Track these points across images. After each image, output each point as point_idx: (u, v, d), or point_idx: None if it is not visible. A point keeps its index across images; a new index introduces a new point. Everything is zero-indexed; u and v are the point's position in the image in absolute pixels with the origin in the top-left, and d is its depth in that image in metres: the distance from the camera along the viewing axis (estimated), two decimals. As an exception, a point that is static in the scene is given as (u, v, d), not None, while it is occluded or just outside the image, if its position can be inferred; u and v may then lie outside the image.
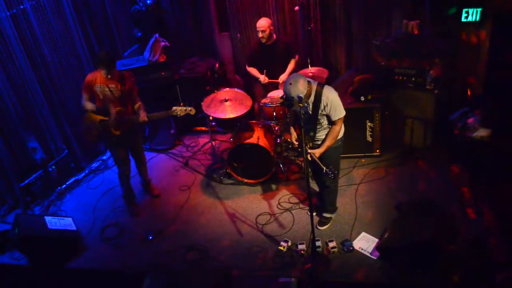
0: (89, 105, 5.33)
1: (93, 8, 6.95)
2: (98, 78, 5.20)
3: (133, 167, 5.80)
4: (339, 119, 4.45)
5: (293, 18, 6.93)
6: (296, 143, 4.95)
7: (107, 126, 5.26)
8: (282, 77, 6.23)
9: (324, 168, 4.36)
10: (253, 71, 6.45)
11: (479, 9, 5.49)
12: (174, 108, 5.23)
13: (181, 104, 5.29)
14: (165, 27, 7.52)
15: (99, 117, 5.30)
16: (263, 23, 6.11)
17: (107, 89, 5.20)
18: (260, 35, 6.14)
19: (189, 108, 5.23)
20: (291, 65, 6.34)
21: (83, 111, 5.46)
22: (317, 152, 4.51)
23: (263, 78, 6.28)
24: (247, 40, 7.34)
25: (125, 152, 5.64)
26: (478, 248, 4.49)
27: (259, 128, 5.95)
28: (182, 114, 5.25)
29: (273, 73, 6.31)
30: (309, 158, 4.46)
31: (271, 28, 6.18)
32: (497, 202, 4.98)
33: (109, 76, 5.11)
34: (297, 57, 6.38)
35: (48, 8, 6.13)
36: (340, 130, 4.55)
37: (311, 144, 4.67)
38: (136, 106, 5.38)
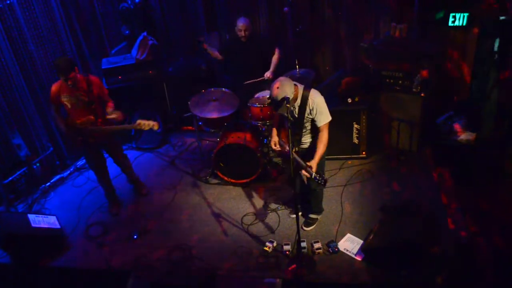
0: (59, 118, 5.21)
1: (81, 5, 6.89)
2: (63, 88, 5.03)
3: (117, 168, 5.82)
4: (325, 124, 4.41)
5: (282, 18, 6.93)
6: (275, 147, 4.86)
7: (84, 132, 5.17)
8: (267, 74, 6.17)
9: (314, 174, 4.32)
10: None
11: (466, 14, 5.56)
12: (139, 121, 4.94)
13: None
14: (153, 25, 7.47)
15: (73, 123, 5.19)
16: (246, 23, 6.04)
17: (74, 98, 5.04)
18: (243, 34, 6.07)
19: (153, 123, 4.94)
20: (274, 60, 6.25)
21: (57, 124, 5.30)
22: (313, 164, 4.36)
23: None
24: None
25: (99, 156, 5.55)
26: (462, 250, 4.53)
27: (246, 129, 5.94)
28: (146, 129, 4.94)
29: (251, 71, 6.21)
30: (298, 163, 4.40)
31: (251, 27, 6.13)
32: (481, 204, 5.03)
33: (69, 83, 4.87)
34: (277, 51, 6.29)
35: (35, 4, 6.07)
36: (327, 136, 4.45)
37: (297, 148, 4.65)
38: (109, 110, 5.19)
